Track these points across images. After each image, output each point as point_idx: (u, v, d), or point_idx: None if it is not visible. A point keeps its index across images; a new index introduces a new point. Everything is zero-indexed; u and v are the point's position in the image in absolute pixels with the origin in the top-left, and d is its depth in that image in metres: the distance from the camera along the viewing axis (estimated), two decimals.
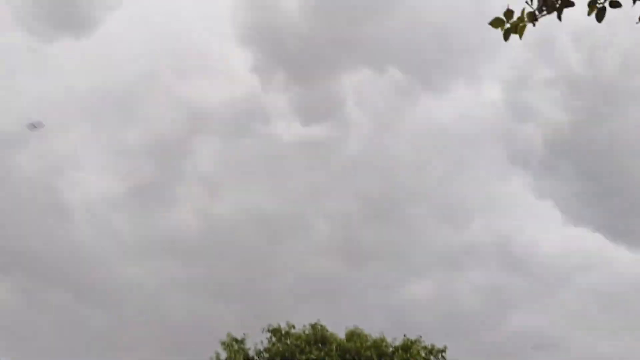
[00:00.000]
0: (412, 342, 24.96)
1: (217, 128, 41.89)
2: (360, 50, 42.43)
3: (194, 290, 39.64)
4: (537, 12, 6.28)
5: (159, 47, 41.21)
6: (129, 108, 40.25)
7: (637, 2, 6.26)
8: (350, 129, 42.40)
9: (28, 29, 38.01)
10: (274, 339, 25.44)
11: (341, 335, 25.38)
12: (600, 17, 6.52)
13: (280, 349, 24.86)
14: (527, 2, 6.27)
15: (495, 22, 6.56)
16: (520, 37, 6.46)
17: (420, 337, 25.26)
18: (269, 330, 27.15)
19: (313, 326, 27.47)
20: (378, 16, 41.54)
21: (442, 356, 25.06)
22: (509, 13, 6.47)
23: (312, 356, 24.56)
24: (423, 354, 24.60)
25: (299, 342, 24.90)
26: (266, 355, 25.18)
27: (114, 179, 39.22)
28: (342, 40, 42.09)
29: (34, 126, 25.43)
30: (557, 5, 6.35)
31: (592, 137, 39.31)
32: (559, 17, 6.47)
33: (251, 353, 25.08)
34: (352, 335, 25.35)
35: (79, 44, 38.73)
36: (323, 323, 27.68)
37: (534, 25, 6.36)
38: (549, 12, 6.39)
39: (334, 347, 24.76)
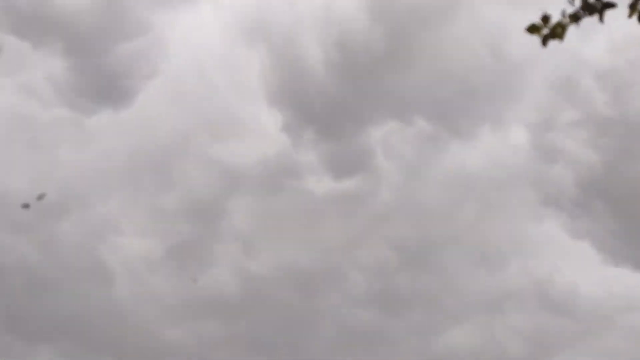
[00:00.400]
0: None
1: (251, 187, 42.91)
2: (386, 102, 43.58)
3: (235, 348, 39.76)
4: (580, 12, 6.71)
5: (192, 112, 42.85)
6: (166, 172, 41.55)
7: None
8: (380, 180, 43.11)
9: (70, 105, 40.01)
10: None
11: None
12: None
13: None
14: (568, 1, 6.64)
15: (532, 29, 6.89)
16: (562, 38, 6.83)
17: None
18: None
19: None
20: (400, 67, 42.85)
21: None
22: (545, 18, 6.85)
23: None
24: None
25: None
26: None
27: (152, 241, 40.12)
28: (367, 94, 43.32)
29: (39, 197, 26.88)
30: (599, 8, 6.80)
31: (624, 175, 39.47)
32: (601, 19, 6.93)
33: None
34: None
35: (118, 114, 40.52)
36: None
37: (578, 24, 6.80)
38: (590, 14, 6.86)
39: None
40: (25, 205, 26.45)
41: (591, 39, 43.71)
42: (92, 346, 36.92)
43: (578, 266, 39.76)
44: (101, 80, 39.63)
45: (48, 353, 35.67)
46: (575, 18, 6.55)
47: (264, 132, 43.57)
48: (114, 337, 36.80)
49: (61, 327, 36.38)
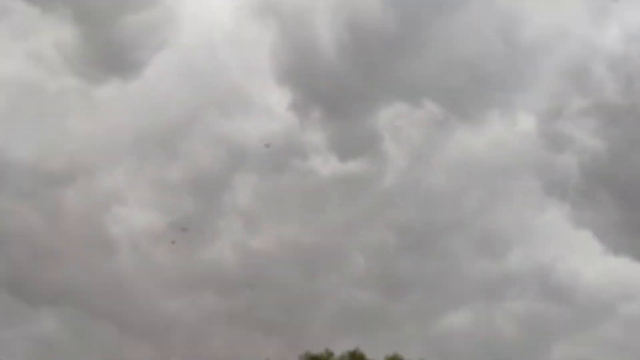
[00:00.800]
0: None
1: (256, 164, 43.03)
2: (395, 85, 43.43)
3: (234, 322, 40.12)
4: None
5: (200, 87, 42.94)
6: (172, 146, 41.77)
7: None
8: (386, 163, 43.09)
9: (78, 73, 40.12)
10: None
11: None
12: None
13: None
14: None
15: None
16: None
17: None
18: (307, 358, 27.27)
19: (352, 353, 27.50)
20: (411, 51, 42.60)
21: None
22: None
23: None
24: None
25: None
26: None
27: (156, 214, 40.44)
28: (377, 76, 43.19)
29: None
30: None
31: (630, 165, 39.16)
32: None
33: None
34: None
35: (126, 85, 40.67)
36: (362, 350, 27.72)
37: None
38: None
39: None
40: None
41: (605, 27, 43.21)
42: (94, 313, 37.45)
43: (579, 255, 39.67)
44: (110, 49, 39.71)
45: (51, 317, 36.25)
46: None
47: (271, 110, 43.68)
48: (116, 305, 37.31)
49: (64, 293, 36.90)
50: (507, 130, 43.99)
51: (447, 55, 43.79)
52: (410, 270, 40.93)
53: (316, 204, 41.71)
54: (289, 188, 42.13)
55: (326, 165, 42.00)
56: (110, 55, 39.76)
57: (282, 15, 45.17)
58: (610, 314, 37.65)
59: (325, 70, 44.03)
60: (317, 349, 27.04)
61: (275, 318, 38.63)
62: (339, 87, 44.41)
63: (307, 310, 39.47)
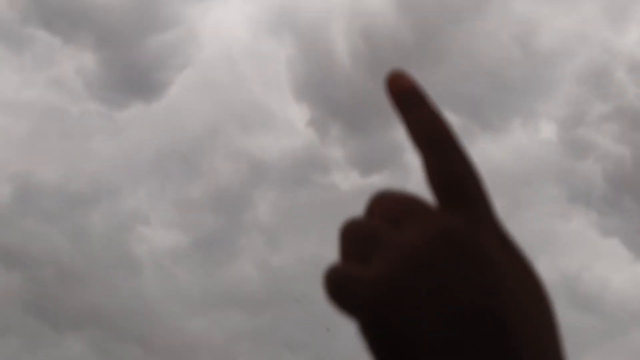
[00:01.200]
0: None
1: (277, 180, 43.07)
2: None
3: (259, 341, 40.07)
4: None
5: (220, 103, 43.16)
6: (194, 163, 41.98)
7: None
8: (409, 176, 42.82)
9: (100, 98, 40.61)
10: None
11: None
12: None
13: None
14: None
15: None
16: None
17: None
18: None
19: None
20: (429, 60, 42.53)
21: None
22: None
23: None
24: None
25: None
26: None
27: (179, 232, 40.63)
28: None
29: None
30: None
31: None
32: None
33: None
34: None
35: (149, 106, 41.00)
36: None
37: None
38: None
39: None
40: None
41: (625, 30, 42.82)
42: (119, 334, 37.59)
43: (607, 264, 39.05)
44: (132, 73, 40.12)
45: (76, 341, 36.41)
46: None
47: (290, 126, 43.69)
48: (141, 326, 37.41)
49: (89, 316, 37.08)
50: (529, 138, 43.66)
51: (465, 64, 43.60)
52: None
53: (338, 219, 41.48)
54: (310, 203, 42.14)
55: (347, 180, 41.96)
56: (132, 78, 40.14)
57: (297, 28, 45.32)
58: None
59: (343, 83, 44.00)
60: None
61: (301, 335, 38.57)
62: (357, 99, 44.38)
63: (332, 326, 39.36)
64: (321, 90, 44.74)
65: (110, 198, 40.68)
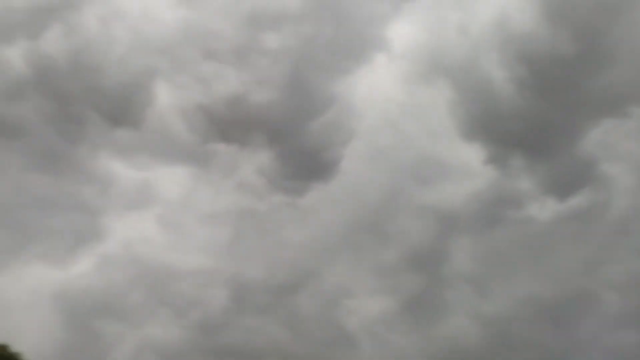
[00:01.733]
0: None
1: (468, 226, 41.98)
2: (590, 104, 40.47)
3: None
4: None
5: (392, 164, 43.64)
6: (383, 229, 42.41)
7: None
8: (610, 188, 39.62)
9: (282, 189, 43.33)
10: None
11: None
12: None
13: None
14: None
15: None
16: None
17: None
18: None
19: None
20: (597, 64, 39.82)
21: None
22: None
23: None
24: None
25: None
26: None
27: (384, 298, 40.74)
28: (567, 102, 40.68)
29: None
30: None
31: None
32: None
33: None
34: None
35: (327, 186, 42.78)
36: None
37: None
38: None
39: None
40: None
41: None
42: None
43: None
44: (304, 158, 42.46)
45: None
46: None
47: (467, 168, 42.74)
48: None
49: None
50: None
51: (638, 59, 40.27)
52: None
53: (543, 252, 39.29)
54: (510, 242, 40.33)
55: (544, 209, 39.72)
56: (305, 164, 42.45)
57: (448, 70, 44.87)
58: None
59: (511, 112, 42.47)
60: None
61: None
62: (531, 123, 42.44)
63: None
64: (490, 125, 43.41)
65: (313, 280, 42.26)
